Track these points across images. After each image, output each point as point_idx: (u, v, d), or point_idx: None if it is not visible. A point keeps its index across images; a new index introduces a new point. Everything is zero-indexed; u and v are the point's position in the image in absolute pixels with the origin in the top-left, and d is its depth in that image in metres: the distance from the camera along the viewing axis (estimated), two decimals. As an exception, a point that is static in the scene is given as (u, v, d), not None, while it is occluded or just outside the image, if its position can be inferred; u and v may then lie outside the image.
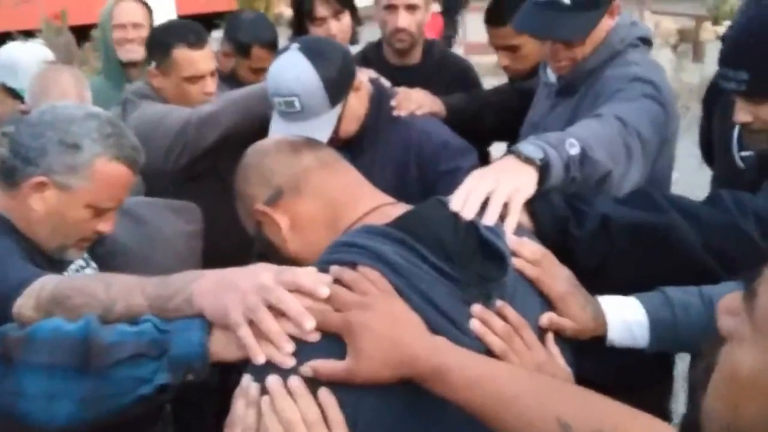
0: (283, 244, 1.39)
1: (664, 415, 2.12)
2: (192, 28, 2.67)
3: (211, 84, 2.64)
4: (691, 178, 3.46)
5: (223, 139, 2.36)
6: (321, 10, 2.88)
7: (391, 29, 2.78)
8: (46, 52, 3.11)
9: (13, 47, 3.19)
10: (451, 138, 2.19)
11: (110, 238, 1.79)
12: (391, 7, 2.76)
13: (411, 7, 2.75)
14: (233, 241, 1.63)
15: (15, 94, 2.98)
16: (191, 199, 2.20)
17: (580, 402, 1.00)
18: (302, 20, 2.95)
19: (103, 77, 3.42)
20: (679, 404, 2.56)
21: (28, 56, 2.99)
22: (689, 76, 8.67)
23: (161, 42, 2.65)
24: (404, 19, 2.75)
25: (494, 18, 2.64)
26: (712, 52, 8.77)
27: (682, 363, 2.47)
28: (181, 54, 2.59)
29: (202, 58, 2.62)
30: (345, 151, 1.75)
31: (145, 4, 3.37)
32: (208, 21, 8.23)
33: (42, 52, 3.10)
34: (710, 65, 8.36)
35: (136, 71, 3.21)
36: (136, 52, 3.22)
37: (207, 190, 2.33)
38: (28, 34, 3.53)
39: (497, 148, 2.94)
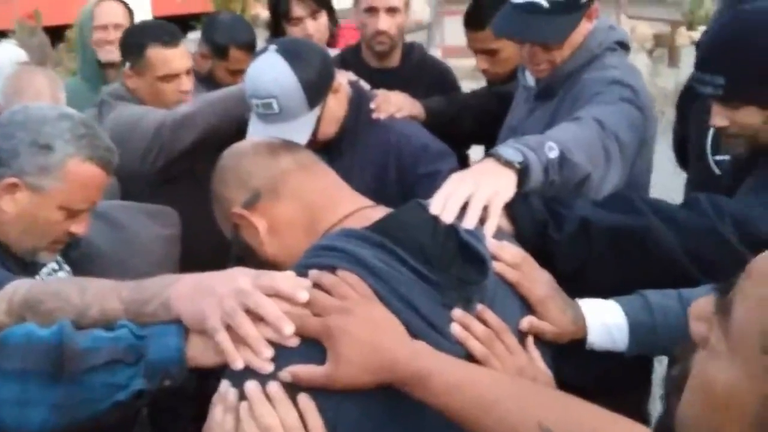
0: (261, 247, 1.37)
1: (643, 418, 2.12)
2: (166, 27, 2.66)
3: (186, 82, 2.62)
4: (667, 181, 3.48)
5: (200, 141, 2.34)
6: (297, 10, 2.88)
7: (371, 32, 2.78)
8: (19, 53, 3.06)
9: None
10: (431, 141, 2.18)
11: (85, 242, 1.77)
12: (372, 10, 2.76)
13: (391, 10, 2.76)
14: (210, 245, 1.61)
15: (-12, 96, 2.93)
16: (168, 203, 2.17)
17: (560, 406, 1.00)
18: (279, 21, 2.94)
19: (79, 78, 3.38)
20: (656, 407, 2.57)
21: (2, 57, 2.94)
22: (664, 81, 8.74)
23: (135, 42, 2.63)
24: (384, 22, 2.75)
25: (473, 22, 2.65)
26: (688, 57, 8.85)
27: (660, 366, 2.48)
28: (155, 53, 2.57)
29: (177, 57, 2.60)
30: (323, 153, 1.74)
31: (126, 5, 3.34)
32: (184, 22, 8.18)
33: (16, 53, 3.05)
34: (685, 70, 8.44)
35: (114, 72, 3.18)
36: (115, 53, 3.19)
37: (184, 193, 2.30)
38: (2, 35, 3.48)
39: (476, 152, 2.95)
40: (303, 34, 2.86)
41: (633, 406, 1.98)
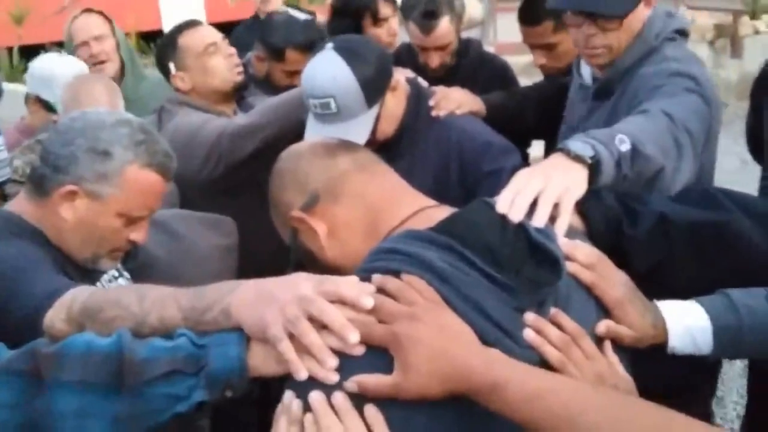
0: (321, 251, 1.33)
1: (707, 416, 2.03)
2: (185, 21, 2.69)
3: (228, 48, 2.62)
4: (731, 177, 3.37)
5: (261, 149, 2.30)
6: (385, 10, 2.88)
7: (423, 63, 2.78)
8: (82, 66, 3.08)
9: (50, 59, 3.15)
10: (494, 137, 2.12)
11: (143, 252, 1.76)
12: (423, 48, 2.76)
13: (442, 48, 2.76)
14: (271, 255, 1.57)
15: (48, 107, 2.96)
16: (229, 211, 2.16)
17: (653, 420, 0.93)
18: (357, 24, 2.94)
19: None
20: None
21: (64, 70, 2.96)
22: (727, 73, 8.47)
23: (166, 44, 2.64)
24: (436, 59, 2.78)
25: (528, 16, 2.59)
26: (751, 47, 8.58)
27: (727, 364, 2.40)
28: (185, 37, 2.59)
29: (205, 30, 2.63)
30: (383, 153, 1.69)
31: (101, 14, 3.32)
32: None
33: (78, 65, 3.07)
34: (749, 61, 8.18)
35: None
36: (109, 68, 3.23)
37: (245, 202, 2.28)
38: (61, 46, 3.53)
39: (535, 150, 2.88)
40: (388, 33, 2.85)
41: (698, 405, 1.90)
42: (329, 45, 1.92)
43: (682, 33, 2.02)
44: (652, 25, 1.96)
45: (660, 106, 1.71)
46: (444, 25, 2.71)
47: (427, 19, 2.68)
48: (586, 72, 2.12)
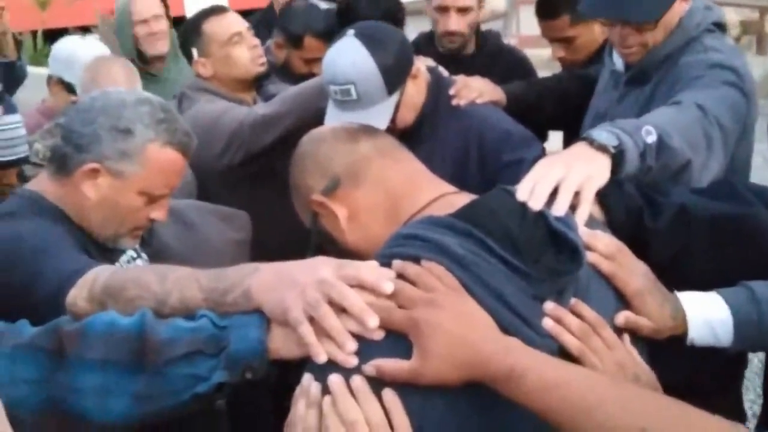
0: (341, 235, 1.34)
1: (737, 412, 2.01)
2: (212, 6, 2.68)
3: (253, 38, 2.61)
4: (754, 174, 3.33)
5: (283, 138, 2.30)
6: None
7: (441, 30, 2.75)
8: (103, 49, 3.10)
9: (72, 41, 3.18)
10: (514, 127, 2.11)
11: (157, 239, 1.76)
12: (443, 9, 2.72)
13: (463, 10, 2.72)
14: (290, 244, 1.58)
15: (70, 88, 2.98)
16: (247, 201, 2.16)
17: (668, 413, 0.92)
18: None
19: None
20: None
21: (86, 52, 2.98)
22: (753, 69, 8.38)
23: (190, 29, 2.64)
24: (455, 23, 2.72)
25: (546, 11, 2.59)
26: (777, 44, 8.47)
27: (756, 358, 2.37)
28: (211, 24, 2.58)
29: (231, 18, 2.61)
30: (402, 141, 1.69)
31: None
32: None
33: (100, 48, 3.09)
34: (775, 57, 8.07)
35: (161, 64, 3.32)
36: (162, 45, 3.32)
37: (263, 193, 2.29)
38: (84, 30, 3.55)
39: (552, 143, 2.86)
40: None
41: (726, 402, 1.88)
42: (350, 31, 1.92)
43: (720, 26, 2.00)
44: (692, 15, 1.95)
45: (694, 98, 1.70)
46: None
47: None
48: (619, 58, 2.10)
